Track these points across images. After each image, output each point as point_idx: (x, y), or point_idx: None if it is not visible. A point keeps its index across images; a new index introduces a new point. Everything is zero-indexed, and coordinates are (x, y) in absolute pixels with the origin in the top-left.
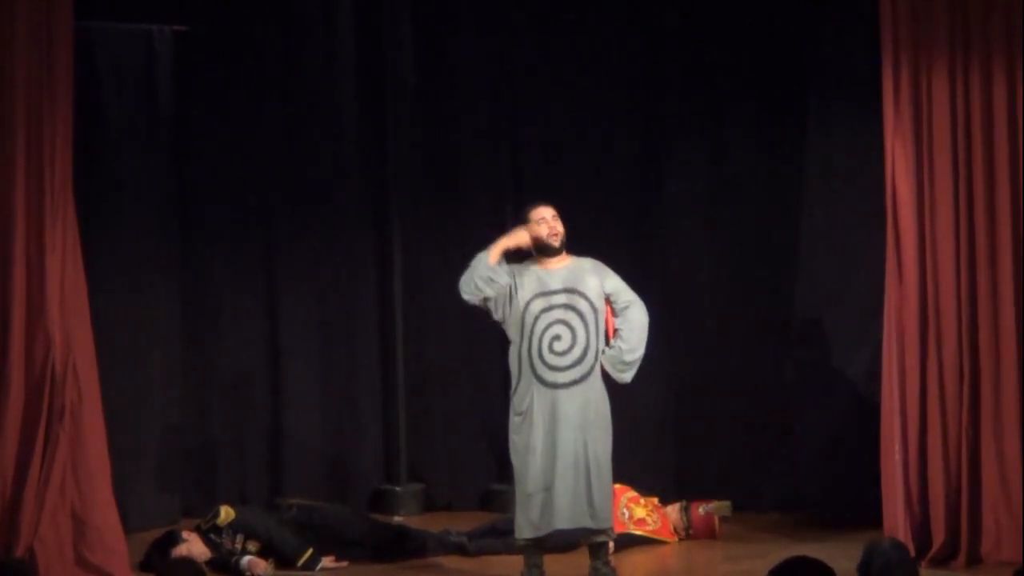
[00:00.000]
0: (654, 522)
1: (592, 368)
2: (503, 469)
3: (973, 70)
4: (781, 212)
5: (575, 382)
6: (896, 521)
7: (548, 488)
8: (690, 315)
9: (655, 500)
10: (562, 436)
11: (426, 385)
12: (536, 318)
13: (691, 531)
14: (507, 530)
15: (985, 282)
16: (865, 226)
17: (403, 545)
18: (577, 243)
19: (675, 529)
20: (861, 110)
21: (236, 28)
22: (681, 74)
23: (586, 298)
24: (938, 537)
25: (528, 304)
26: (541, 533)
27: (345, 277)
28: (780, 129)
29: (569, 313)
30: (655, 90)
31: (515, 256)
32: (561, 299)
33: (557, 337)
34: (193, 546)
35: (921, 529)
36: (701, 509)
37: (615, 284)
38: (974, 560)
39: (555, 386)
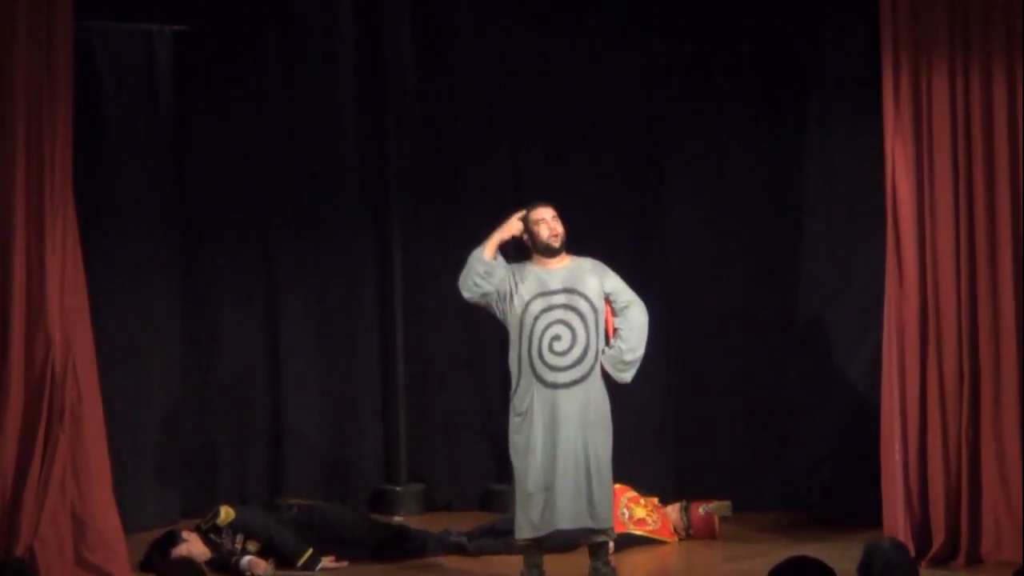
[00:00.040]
0: (654, 522)
1: (592, 368)
2: (503, 469)
3: (973, 70)
4: (781, 212)
5: (575, 382)
6: (896, 521)
7: (548, 488)
8: (690, 315)
9: (655, 500)
10: (562, 436)
11: (426, 385)
12: (536, 318)
13: (691, 531)
14: (507, 530)
15: (985, 282)
16: (865, 226)
17: (403, 545)
18: (577, 243)
19: (675, 529)
20: (861, 110)
21: (236, 28)
22: (681, 74)
23: (586, 298)
24: (938, 537)
25: (528, 304)
26: (541, 533)
27: (345, 277)
28: (780, 129)
29: (569, 313)
30: (655, 90)
31: (515, 256)
32: (561, 299)
33: (557, 337)
34: (193, 546)
35: (921, 529)
36: (701, 509)
37: (615, 284)
38: (974, 560)
39: (555, 386)
